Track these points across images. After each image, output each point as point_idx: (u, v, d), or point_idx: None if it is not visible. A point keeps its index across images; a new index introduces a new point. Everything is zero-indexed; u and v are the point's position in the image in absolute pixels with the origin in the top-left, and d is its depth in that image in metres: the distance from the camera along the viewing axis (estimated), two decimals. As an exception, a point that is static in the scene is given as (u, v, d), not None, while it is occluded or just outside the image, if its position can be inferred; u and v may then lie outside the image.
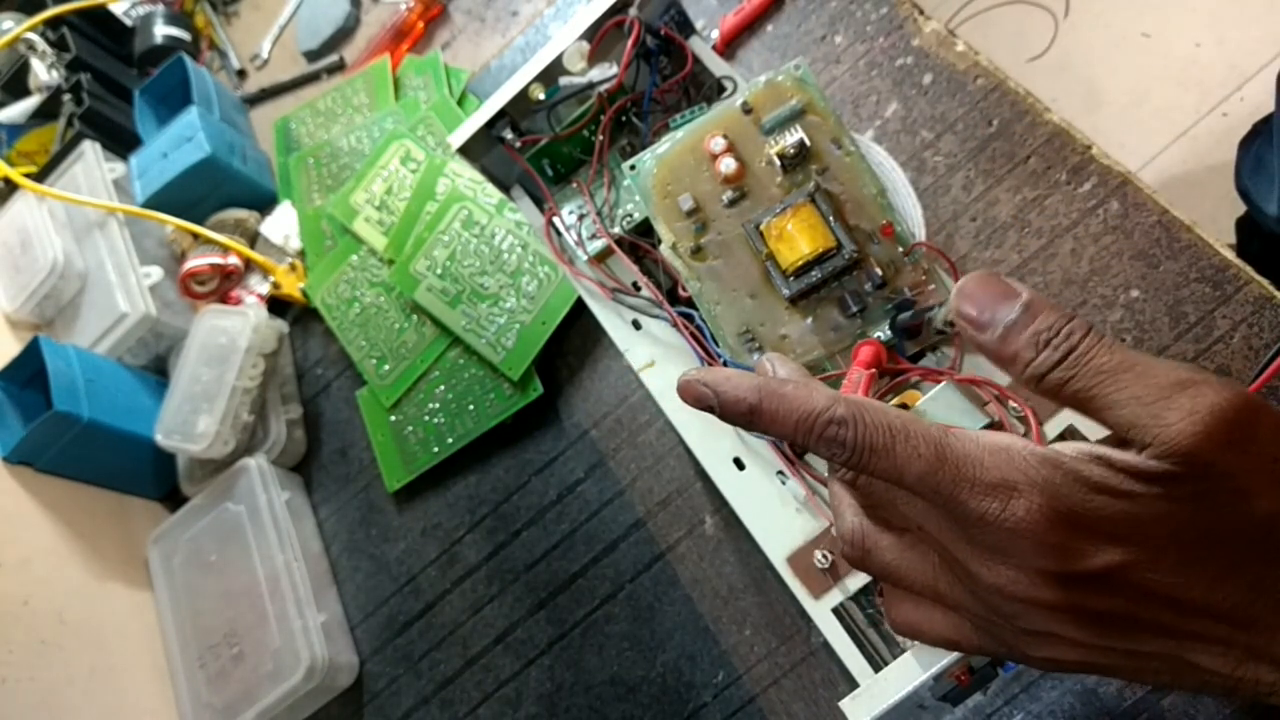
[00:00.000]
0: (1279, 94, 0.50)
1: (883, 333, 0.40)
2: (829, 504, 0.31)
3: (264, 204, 0.88)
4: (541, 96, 0.52)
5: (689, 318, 0.45)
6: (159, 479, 0.80)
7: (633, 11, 0.50)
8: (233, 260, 0.83)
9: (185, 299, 0.84)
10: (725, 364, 0.43)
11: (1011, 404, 0.38)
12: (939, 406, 0.36)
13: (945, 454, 0.26)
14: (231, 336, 0.76)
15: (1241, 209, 0.85)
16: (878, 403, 0.28)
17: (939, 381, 0.38)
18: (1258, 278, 0.49)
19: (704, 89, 0.53)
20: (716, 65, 0.52)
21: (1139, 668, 0.27)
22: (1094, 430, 0.37)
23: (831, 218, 0.41)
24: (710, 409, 0.30)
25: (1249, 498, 0.24)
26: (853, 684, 0.36)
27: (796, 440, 0.29)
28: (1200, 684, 0.26)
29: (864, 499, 0.30)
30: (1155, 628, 0.25)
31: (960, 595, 0.28)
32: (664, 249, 0.43)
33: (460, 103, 0.82)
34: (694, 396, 0.30)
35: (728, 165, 0.42)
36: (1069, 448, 0.26)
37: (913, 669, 0.34)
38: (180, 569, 0.73)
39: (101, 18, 1.03)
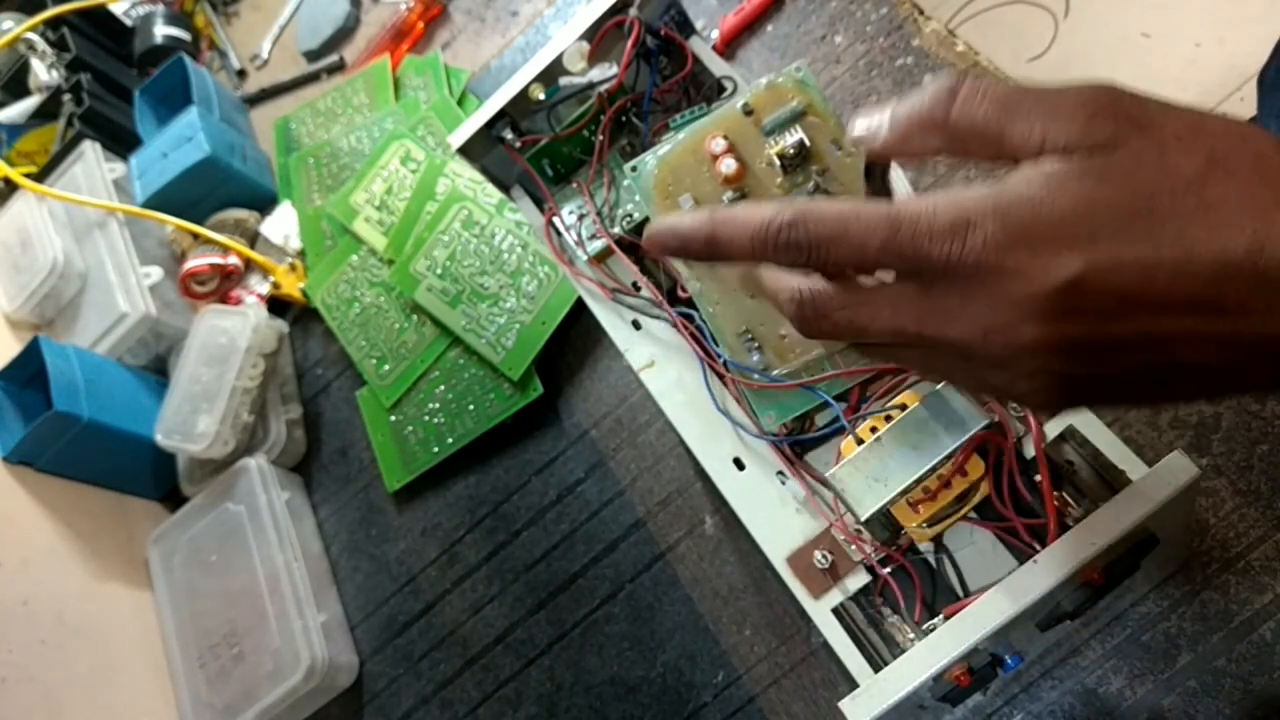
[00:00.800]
0: (1259, 97, 0.50)
1: None
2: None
3: (264, 204, 0.88)
4: (541, 96, 0.52)
5: (689, 318, 0.45)
6: (159, 479, 0.80)
7: (633, 11, 0.50)
8: (233, 260, 0.83)
9: (185, 299, 0.84)
10: (725, 364, 0.43)
11: (1010, 403, 0.38)
12: (939, 405, 0.37)
13: (898, 218, 0.27)
14: (231, 336, 0.76)
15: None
16: (821, 199, 0.28)
17: (938, 382, 0.38)
18: (1258, 278, 0.49)
19: (704, 89, 0.53)
20: (716, 65, 0.52)
21: (1131, 389, 0.27)
22: (1095, 433, 0.37)
23: (831, 218, 0.41)
24: (671, 249, 0.31)
25: (1168, 157, 0.25)
26: (853, 684, 0.36)
27: (757, 256, 0.29)
28: (1193, 386, 0.26)
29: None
30: (1135, 336, 0.25)
31: (951, 369, 0.29)
32: (664, 249, 0.43)
33: (460, 103, 0.82)
34: (658, 243, 0.31)
35: (728, 166, 0.42)
36: (1009, 174, 0.27)
37: (913, 669, 0.34)
38: (180, 569, 0.73)
39: (101, 18, 1.03)
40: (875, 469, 0.36)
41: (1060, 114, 0.26)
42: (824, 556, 0.40)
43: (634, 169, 0.44)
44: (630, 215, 0.49)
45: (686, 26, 0.53)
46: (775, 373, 0.41)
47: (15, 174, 0.86)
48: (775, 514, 0.41)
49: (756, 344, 0.42)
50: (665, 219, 0.31)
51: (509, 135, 0.52)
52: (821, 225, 0.28)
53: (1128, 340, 0.26)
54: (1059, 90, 0.26)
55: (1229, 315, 0.25)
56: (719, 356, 0.43)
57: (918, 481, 0.36)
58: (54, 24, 0.98)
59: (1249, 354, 0.25)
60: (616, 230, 0.49)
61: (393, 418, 0.73)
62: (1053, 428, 0.38)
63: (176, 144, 0.86)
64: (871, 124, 0.29)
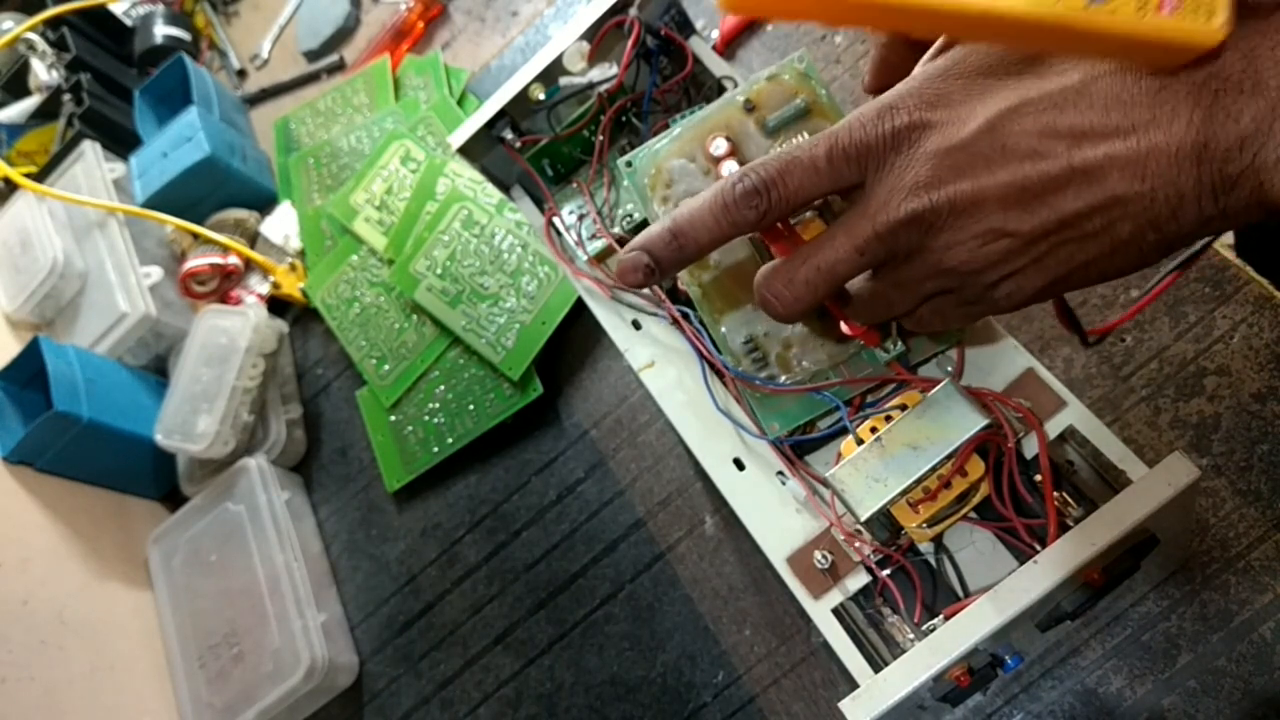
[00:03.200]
0: None
1: (888, 349, 0.40)
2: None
3: (264, 204, 0.88)
4: (541, 96, 0.52)
5: (688, 316, 0.45)
6: (159, 479, 0.80)
7: (633, 11, 0.50)
8: (233, 260, 0.83)
9: (185, 299, 0.84)
10: (726, 367, 0.43)
11: (1008, 407, 0.38)
12: (939, 406, 0.36)
13: (833, 129, 0.30)
14: (231, 336, 0.76)
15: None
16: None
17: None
18: (1258, 278, 0.49)
19: (704, 89, 0.53)
20: (717, 65, 0.52)
21: (1086, 253, 0.28)
22: (1095, 433, 0.37)
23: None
24: (650, 269, 0.32)
25: None
26: (853, 684, 0.36)
27: (724, 227, 0.31)
28: (1134, 229, 0.27)
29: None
30: (1064, 170, 0.27)
31: (916, 274, 0.30)
32: (664, 251, 0.43)
33: (460, 103, 0.82)
34: (631, 268, 0.32)
35: (729, 169, 0.42)
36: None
37: (913, 669, 0.34)
38: (180, 569, 0.73)
39: (101, 18, 1.03)
40: (875, 469, 0.36)
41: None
42: (824, 556, 0.40)
43: (629, 164, 0.44)
44: (630, 215, 0.49)
45: (686, 26, 0.53)
46: (780, 380, 0.41)
47: (15, 174, 0.86)
48: (775, 514, 0.41)
49: (760, 353, 0.42)
50: (626, 248, 0.32)
51: (509, 135, 0.52)
52: (769, 163, 0.30)
53: (1055, 176, 0.27)
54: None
55: (1139, 129, 0.26)
56: (719, 359, 0.43)
57: (918, 481, 0.36)
58: (54, 24, 0.98)
59: (1168, 169, 0.26)
60: (617, 230, 0.49)
61: (393, 418, 0.73)
62: (1053, 427, 0.38)
63: (176, 144, 0.86)
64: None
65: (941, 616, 0.37)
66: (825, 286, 0.31)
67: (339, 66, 0.95)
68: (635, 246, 0.32)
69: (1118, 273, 0.29)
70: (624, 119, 0.52)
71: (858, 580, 0.40)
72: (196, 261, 0.82)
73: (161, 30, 1.02)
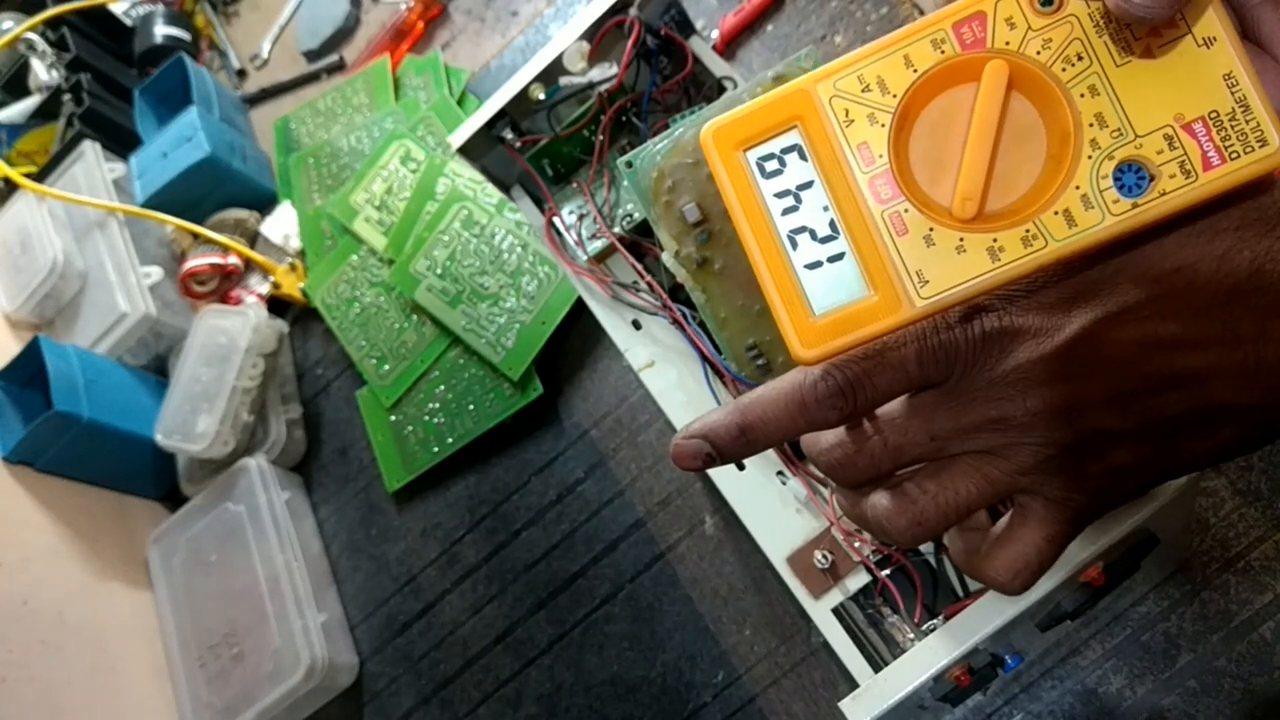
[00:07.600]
0: None
1: None
2: (870, 523, 0.30)
3: (264, 204, 0.88)
4: (541, 96, 0.52)
5: (689, 316, 0.45)
6: (159, 479, 0.80)
7: (633, 11, 0.50)
8: (233, 260, 0.83)
9: (185, 299, 0.84)
10: (729, 371, 0.43)
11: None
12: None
13: (919, 332, 0.27)
14: (231, 336, 0.76)
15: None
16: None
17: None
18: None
19: (704, 89, 0.53)
20: (717, 65, 0.52)
21: (1179, 441, 0.27)
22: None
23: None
24: (710, 457, 0.29)
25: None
26: (853, 684, 0.36)
27: (799, 424, 0.28)
28: (1241, 431, 0.26)
29: (892, 457, 0.29)
30: (1162, 375, 0.25)
31: (1022, 471, 0.28)
32: (666, 258, 0.43)
33: (460, 103, 0.82)
34: (690, 454, 0.29)
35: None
36: None
37: (913, 669, 0.34)
38: (180, 569, 0.73)
39: (101, 18, 1.03)
40: (875, 469, 0.36)
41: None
42: (824, 556, 0.40)
43: (629, 164, 0.44)
44: (630, 215, 0.49)
45: (686, 26, 0.53)
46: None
47: (15, 174, 0.86)
48: (775, 514, 0.42)
49: (763, 359, 0.42)
50: (686, 428, 0.30)
51: (509, 135, 0.52)
52: (853, 364, 0.27)
53: (1156, 381, 0.25)
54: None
55: (1248, 342, 0.25)
56: (718, 357, 0.43)
57: (918, 481, 0.36)
58: (54, 24, 0.98)
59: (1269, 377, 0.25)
60: (617, 230, 0.49)
61: (393, 418, 0.73)
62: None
63: (176, 144, 0.86)
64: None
65: (941, 616, 0.37)
66: (890, 465, 0.29)
67: (339, 66, 0.95)
68: (696, 434, 0.29)
69: (1210, 465, 0.28)
70: (624, 119, 0.52)
71: (858, 580, 0.40)
72: (196, 261, 0.82)
73: (161, 30, 1.02)
